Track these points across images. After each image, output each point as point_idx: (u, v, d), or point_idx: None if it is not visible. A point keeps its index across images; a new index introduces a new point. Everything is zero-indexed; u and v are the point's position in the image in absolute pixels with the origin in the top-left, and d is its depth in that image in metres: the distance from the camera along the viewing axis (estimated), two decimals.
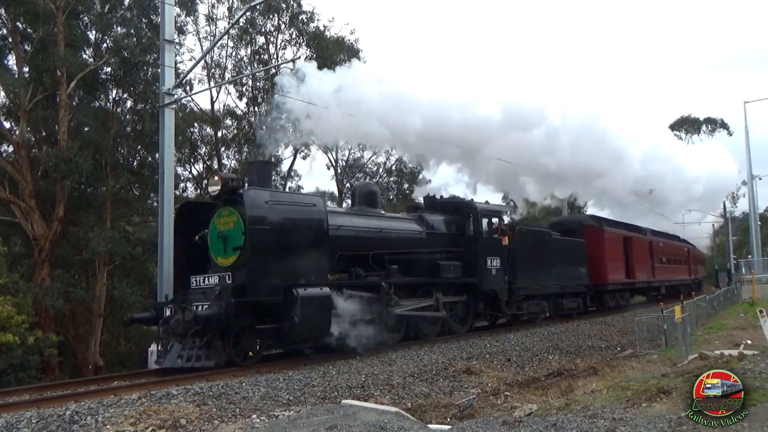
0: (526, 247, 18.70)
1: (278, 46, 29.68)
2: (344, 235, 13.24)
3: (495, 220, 17.78)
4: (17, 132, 22.34)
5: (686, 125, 59.06)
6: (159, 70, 16.15)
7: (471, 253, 16.39)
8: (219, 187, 11.91)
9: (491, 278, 16.71)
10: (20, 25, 22.34)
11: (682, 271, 36.14)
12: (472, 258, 16.36)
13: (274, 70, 24.23)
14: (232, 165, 33.00)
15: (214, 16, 28.92)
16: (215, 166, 31.77)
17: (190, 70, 18.59)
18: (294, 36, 29.65)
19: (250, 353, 11.27)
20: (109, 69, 23.19)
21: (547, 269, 19.57)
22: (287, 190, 37.31)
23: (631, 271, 26.49)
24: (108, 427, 7.38)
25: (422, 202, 18.10)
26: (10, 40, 22.06)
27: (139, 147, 25.00)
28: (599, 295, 24.31)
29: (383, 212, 15.51)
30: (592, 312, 24.29)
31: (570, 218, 26.67)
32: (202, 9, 29.19)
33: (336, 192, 39.38)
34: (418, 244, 15.31)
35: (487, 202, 18.49)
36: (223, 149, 32.89)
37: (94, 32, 23.76)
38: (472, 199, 17.99)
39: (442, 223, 16.45)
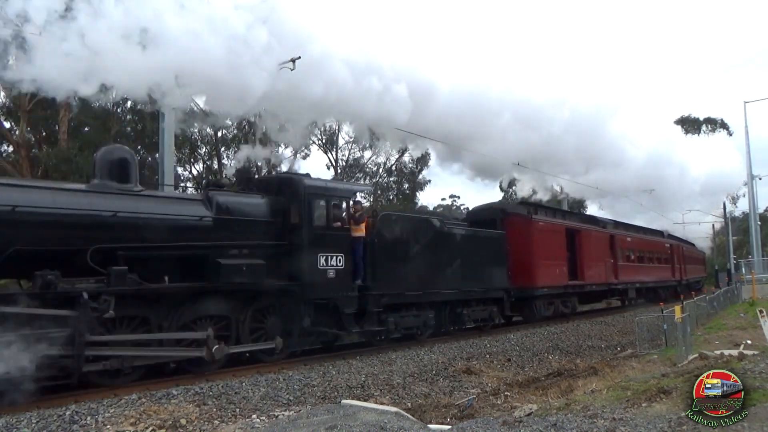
0: (396, 240, 13.85)
1: None
2: (25, 220, 8.79)
3: (340, 203, 12.85)
4: (17, 132, 22.39)
5: (686, 125, 59.13)
6: None
7: (295, 248, 11.81)
8: None
9: (326, 283, 12.02)
10: None
11: (662, 270, 32.11)
12: (296, 255, 11.78)
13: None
14: (233, 165, 33.07)
15: None
16: (215, 166, 31.85)
17: None
18: None
19: None
20: None
21: (435, 270, 14.91)
22: None
23: (579, 270, 21.97)
24: (108, 427, 7.39)
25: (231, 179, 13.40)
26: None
27: (139, 147, 25.04)
28: (527, 302, 19.39)
29: (140, 188, 10.65)
30: (516, 323, 19.67)
31: (489, 206, 21.29)
32: None
33: None
34: (195, 234, 10.57)
35: (336, 178, 15.30)
36: (223, 149, 32.95)
37: None
38: (307, 174, 13.03)
39: (252, 206, 11.72)
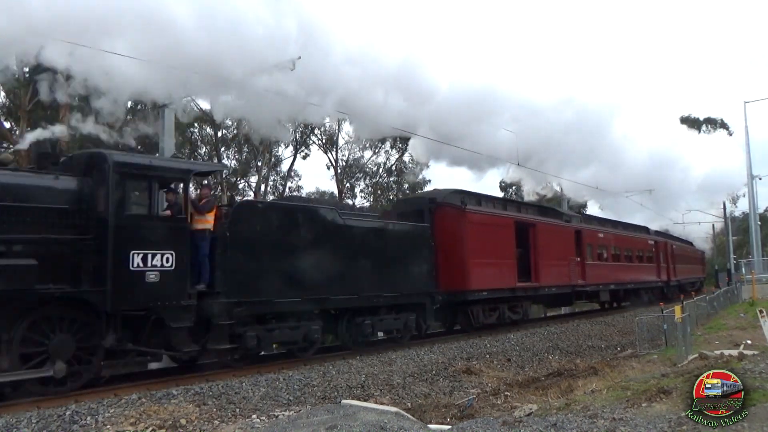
0: (264, 234, 10.97)
1: None
2: None
3: (173, 186, 10.25)
4: (17, 132, 22.40)
5: (686, 125, 59.14)
6: None
7: (99, 243, 9.10)
8: None
9: (144, 288, 9.33)
10: None
11: (645, 270, 29.08)
12: (101, 252, 9.07)
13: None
14: (232, 165, 33.11)
15: None
16: None
17: None
18: None
19: None
20: None
21: (325, 270, 11.97)
22: (287, 189, 37.65)
23: (532, 270, 18.98)
24: (108, 427, 7.40)
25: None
26: None
27: (139, 147, 25.02)
28: (462, 308, 16.50)
29: None
30: (456, 332, 17.24)
31: (418, 196, 18.30)
32: None
33: (336, 192, 39.49)
34: None
35: (176, 155, 11.92)
36: (223, 149, 32.97)
37: None
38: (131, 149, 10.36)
39: (35, 189, 9.00)
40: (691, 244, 42.72)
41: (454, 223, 16.06)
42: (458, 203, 16.59)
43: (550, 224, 20.74)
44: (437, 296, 15.08)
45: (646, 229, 31.97)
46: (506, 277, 17.53)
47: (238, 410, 8.47)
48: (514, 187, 41.28)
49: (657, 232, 33.52)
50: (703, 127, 59.76)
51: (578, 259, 21.93)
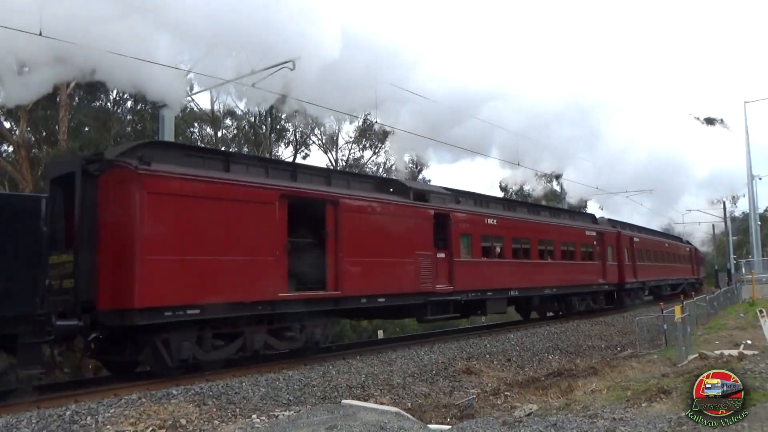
0: None
1: None
2: None
3: None
4: (17, 132, 22.41)
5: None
6: None
7: None
8: None
9: None
10: None
11: (579, 270, 21.74)
12: None
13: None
14: None
15: None
16: None
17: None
18: None
19: None
20: None
21: None
22: None
23: (330, 272, 12.13)
24: (108, 427, 7.40)
25: None
26: None
27: None
28: (146, 338, 9.68)
29: None
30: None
31: (75, 153, 12.22)
32: None
33: None
34: None
35: None
36: (223, 149, 32.96)
37: None
38: None
39: None
40: (680, 239, 41.48)
41: (123, 196, 9.65)
42: (131, 164, 9.62)
43: (374, 201, 13.53)
44: (49, 323, 8.43)
45: (591, 217, 25.84)
46: (257, 284, 10.85)
47: (238, 410, 8.47)
48: (515, 187, 41.27)
49: (613, 222, 27.21)
50: (704, 128, 59.86)
51: (441, 256, 15.09)
